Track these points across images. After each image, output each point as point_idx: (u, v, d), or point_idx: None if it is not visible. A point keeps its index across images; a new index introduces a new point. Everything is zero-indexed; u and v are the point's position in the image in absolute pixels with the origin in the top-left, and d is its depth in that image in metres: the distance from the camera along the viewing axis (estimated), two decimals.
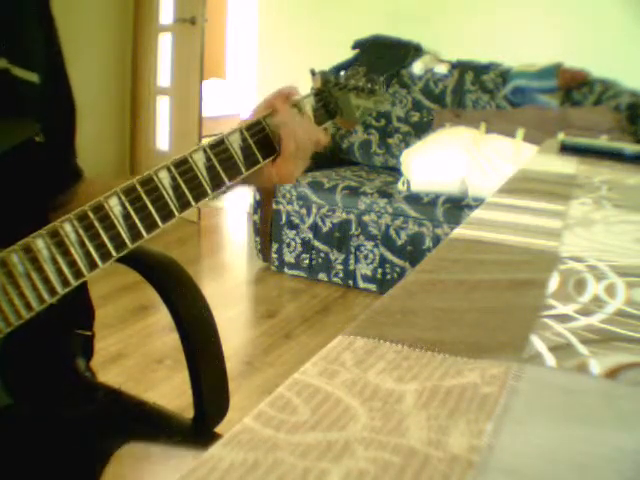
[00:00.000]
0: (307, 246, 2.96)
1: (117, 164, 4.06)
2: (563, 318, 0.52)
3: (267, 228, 3.04)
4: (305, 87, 2.93)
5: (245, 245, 3.58)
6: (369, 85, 0.85)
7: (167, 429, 0.82)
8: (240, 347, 2.37)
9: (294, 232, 2.97)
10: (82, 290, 0.59)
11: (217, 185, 0.65)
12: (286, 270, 3.02)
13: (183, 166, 0.62)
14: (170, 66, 4.02)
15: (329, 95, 0.78)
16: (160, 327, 2.39)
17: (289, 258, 3.00)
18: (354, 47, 3.51)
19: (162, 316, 2.37)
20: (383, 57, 3.41)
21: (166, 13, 3.98)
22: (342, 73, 0.84)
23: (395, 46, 3.43)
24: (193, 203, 0.63)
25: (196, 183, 0.63)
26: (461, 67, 3.30)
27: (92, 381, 0.81)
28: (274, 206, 3.00)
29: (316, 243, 2.95)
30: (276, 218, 3.00)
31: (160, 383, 2.02)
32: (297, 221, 2.96)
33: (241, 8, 6.39)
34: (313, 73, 0.79)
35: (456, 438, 0.34)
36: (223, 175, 0.65)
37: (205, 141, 0.66)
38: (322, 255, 2.94)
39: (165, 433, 0.80)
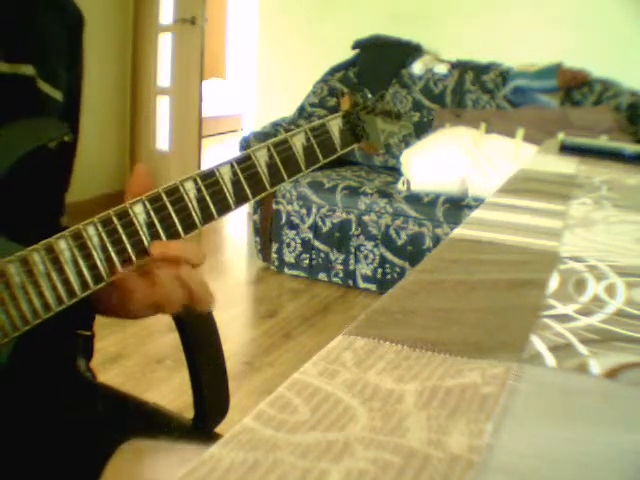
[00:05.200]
0: (307, 246, 2.96)
1: (117, 164, 4.07)
2: (563, 318, 0.52)
3: (267, 228, 3.03)
4: (306, 87, 2.93)
5: (245, 245, 3.58)
6: (396, 109, 0.85)
7: (167, 429, 0.82)
8: (240, 347, 2.37)
9: (294, 232, 2.97)
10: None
11: (242, 199, 0.65)
12: (286, 270, 3.02)
13: (209, 179, 0.63)
14: (170, 66, 4.02)
15: (357, 118, 0.77)
16: (160, 327, 2.39)
17: (289, 258, 3.00)
18: (354, 47, 3.51)
19: (162, 316, 2.36)
20: (383, 57, 3.41)
21: (166, 13, 3.98)
22: (369, 95, 0.82)
23: (395, 46, 3.43)
24: (216, 216, 0.63)
25: (221, 197, 0.63)
26: (461, 67, 3.30)
27: (92, 381, 0.81)
28: (274, 206, 3.00)
29: (316, 243, 2.95)
30: (276, 218, 3.00)
31: (160, 383, 2.02)
32: (297, 221, 2.96)
33: (241, 8, 6.39)
34: (342, 94, 0.79)
35: (456, 438, 0.34)
36: (248, 191, 0.65)
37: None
38: (322, 255, 2.94)
39: (165, 433, 0.80)
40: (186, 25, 3.92)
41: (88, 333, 0.78)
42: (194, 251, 0.62)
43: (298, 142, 0.70)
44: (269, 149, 0.67)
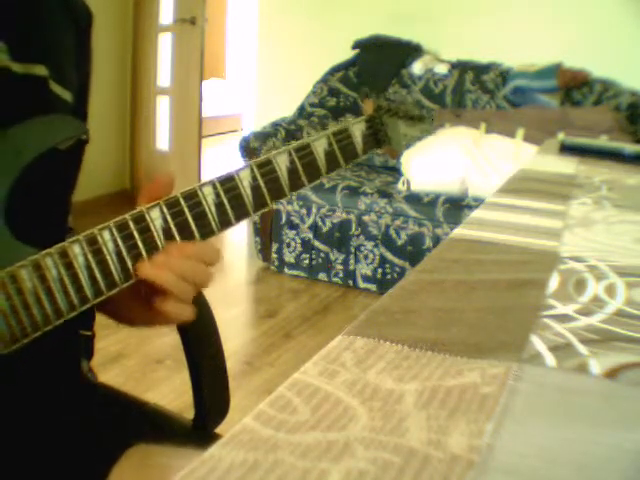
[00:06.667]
0: (307, 246, 2.96)
1: (117, 164, 4.06)
2: (563, 318, 0.52)
3: (267, 228, 3.03)
4: (306, 87, 2.93)
5: (245, 245, 3.58)
6: (418, 112, 0.84)
7: (168, 430, 0.82)
8: (240, 347, 2.37)
9: (294, 232, 2.97)
10: None
11: (260, 205, 0.64)
12: (286, 270, 3.02)
13: (228, 183, 0.62)
14: (170, 66, 4.02)
15: (380, 122, 0.76)
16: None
17: (289, 258, 3.00)
18: (354, 47, 3.51)
19: None
20: (383, 57, 3.41)
21: (166, 13, 3.98)
22: (391, 98, 0.81)
23: (395, 46, 3.43)
24: (234, 222, 0.62)
25: (240, 202, 0.62)
26: (461, 67, 3.30)
27: (94, 382, 0.81)
28: (274, 206, 2.99)
29: (316, 243, 2.95)
30: (276, 218, 3.00)
31: (160, 383, 2.02)
32: (297, 221, 2.96)
33: (241, 8, 6.39)
34: (366, 96, 0.77)
35: (456, 438, 0.34)
36: (267, 196, 0.64)
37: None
38: (322, 255, 2.94)
39: (166, 434, 0.80)
40: (186, 25, 3.92)
41: (88, 333, 0.78)
42: (210, 250, 0.60)
43: (320, 147, 0.69)
44: (290, 154, 0.66)
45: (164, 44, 4.02)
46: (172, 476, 0.58)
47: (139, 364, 2.15)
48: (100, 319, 0.76)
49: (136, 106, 4.09)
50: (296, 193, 0.68)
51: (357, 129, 0.74)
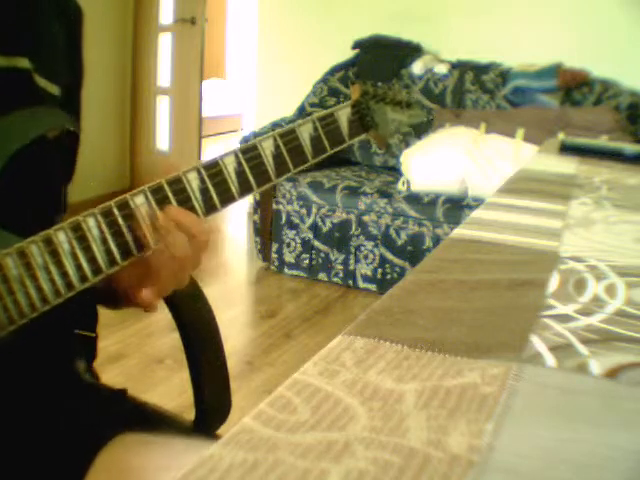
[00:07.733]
0: (307, 246, 2.96)
1: (117, 164, 4.07)
2: (563, 318, 0.52)
3: (267, 228, 3.03)
4: (306, 87, 2.93)
5: (245, 245, 3.58)
6: (406, 98, 0.84)
7: (168, 430, 0.82)
8: (240, 347, 2.37)
9: (294, 232, 2.97)
10: (85, 290, 0.59)
11: (246, 190, 0.64)
12: (286, 270, 3.02)
13: (213, 169, 0.62)
14: (170, 66, 4.02)
15: (366, 107, 0.76)
16: (160, 327, 2.38)
17: (289, 258, 3.00)
18: (354, 47, 3.50)
19: (162, 316, 2.35)
20: (383, 57, 3.41)
21: (166, 13, 3.99)
22: (379, 83, 0.82)
23: (395, 46, 3.43)
24: (219, 207, 0.62)
25: (225, 188, 0.63)
26: (461, 67, 3.30)
27: (93, 382, 0.81)
28: (274, 206, 3.00)
29: (316, 243, 2.95)
30: (276, 218, 3.00)
31: (160, 383, 2.02)
32: (297, 221, 2.96)
33: (241, 8, 6.39)
34: (352, 82, 0.78)
35: (456, 438, 0.34)
36: (252, 181, 0.65)
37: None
38: (322, 255, 2.94)
39: (166, 434, 0.80)
40: (186, 25, 3.92)
41: (91, 334, 0.78)
42: (204, 227, 0.61)
43: (305, 132, 0.69)
44: (275, 139, 0.66)
45: (164, 44, 4.02)
46: (155, 461, 0.57)
47: (139, 364, 2.15)
48: (100, 319, 0.75)
49: (136, 106, 4.09)
50: (284, 179, 0.69)
51: (343, 114, 0.74)
